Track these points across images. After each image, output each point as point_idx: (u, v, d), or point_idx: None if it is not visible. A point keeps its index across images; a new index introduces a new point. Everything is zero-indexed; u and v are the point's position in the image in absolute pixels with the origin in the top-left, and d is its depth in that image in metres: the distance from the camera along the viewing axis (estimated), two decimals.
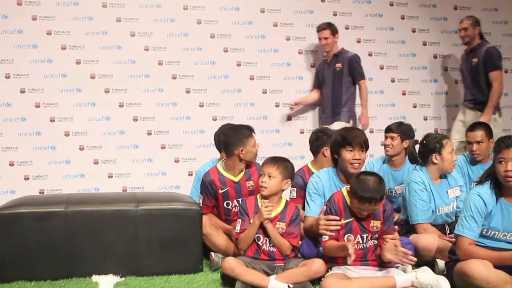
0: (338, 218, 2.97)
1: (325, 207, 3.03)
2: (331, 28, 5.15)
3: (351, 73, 5.15)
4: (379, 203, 2.93)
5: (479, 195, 2.82)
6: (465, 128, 4.85)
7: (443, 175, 3.59)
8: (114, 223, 3.21)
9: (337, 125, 4.96)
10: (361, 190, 2.88)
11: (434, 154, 3.52)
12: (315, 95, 5.36)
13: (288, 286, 2.89)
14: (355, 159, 3.23)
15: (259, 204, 3.17)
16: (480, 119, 4.88)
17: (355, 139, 3.24)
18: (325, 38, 5.14)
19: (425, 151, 3.56)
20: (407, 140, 4.00)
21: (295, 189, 3.81)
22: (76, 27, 4.89)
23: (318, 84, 5.34)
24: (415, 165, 3.64)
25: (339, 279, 2.80)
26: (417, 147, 3.67)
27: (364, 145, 3.28)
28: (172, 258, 3.27)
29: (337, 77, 5.17)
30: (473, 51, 5.13)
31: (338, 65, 5.15)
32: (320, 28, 5.16)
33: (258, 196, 3.25)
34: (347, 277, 2.84)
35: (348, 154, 3.25)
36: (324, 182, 3.37)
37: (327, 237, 2.98)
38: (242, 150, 3.56)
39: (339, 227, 2.98)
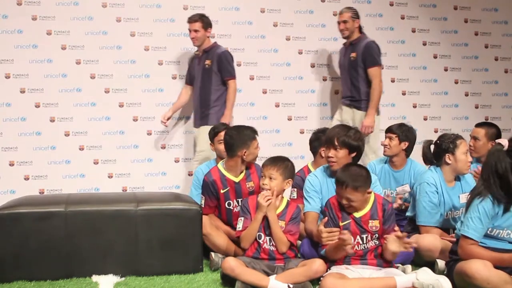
0: (339, 230, 2.97)
1: (326, 218, 3.02)
2: (203, 21, 4.67)
3: (220, 71, 4.69)
4: (355, 192, 2.94)
5: (489, 198, 2.79)
6: None
7: (457, 178, 3.56)
8: (114, 223, 3.21)
9: (204, 130, 4.55)
10: (339, 173, 3.02)
11: (447, 154, 3.50)
12: (185, 96, 4.94)
13: (288, 286, 2.89)
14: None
15: None
16: (364, 122, 4.67)
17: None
18: (195, 31, 4.66)
19: (438, 151, 3.55)
20: (405, 141, 3.98)
21: (295, 189, 3.82)
22: (76, 27, 4.89)
23: (189, 80, 4.91)
24: (429, 165, 3.63)
25: (338, 279, 2.80)
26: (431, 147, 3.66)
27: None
28: (172, 258, 3.27)
29: (206, 74, 4.71)
30: (352, 45, 4.83)
31: (207, 62, 4.69)
32: (190, 20, 4.68)
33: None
34: (346, 277, 2.84)
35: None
36: (320, 179, 3.40)
37: None
38: (245, 152, 3.57)
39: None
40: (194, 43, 4.73)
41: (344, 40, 4.95)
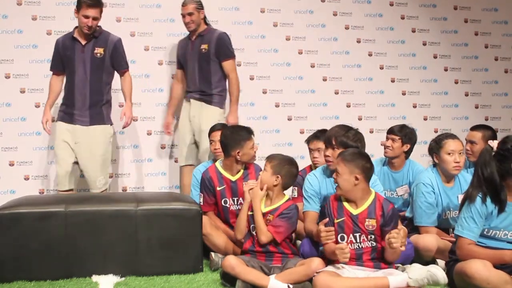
0: (334, 229, 2.96)
1: (327, 219, 3.00)
2: (102, 7, 4.09)
3: (115, 61, 4.22)
4: (343, 164, 2.95)
5: (479, 197, 2.81)
6: (191, 123, 4.53)
7: (457, 178, 3.54)
8: (114, 223, 3.21)
9: (102, 129, 4.17)
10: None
11: (434, 154, 3.52)
12: (59, 86, 4.25)
13: (288, 286, 2.88)
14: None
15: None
16: (230, 119, 4.47)
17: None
18: (94, 19, 4.01)
19: (429, 151, 3.56)
20: (408, 144, 3.97)
21: (296, 188, 3.82)
22: None
23: (61, 68, 4.19)
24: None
25: (331, 276, 2.80)
26: None
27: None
28: (172, 258, 3.27)
29: (99, 65, 4.15)
30: (202, 37, 4.52)
31: (99, 50, 4.13)
32: (92, 5, 3.98)
33: None
34: (339, 275, 2.84)
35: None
36: (320, 179, 3.39)
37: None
38: (238, 152, 3.57)
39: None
40: (89, 30, 4.03)
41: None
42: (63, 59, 4.16)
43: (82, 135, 4.13)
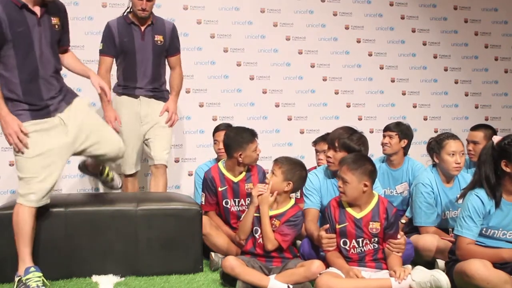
0: (335, 236, 2.98)
1: (328, 225, 3.00)
2: None
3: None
4: (349, 173, 2.91)
5: (477, 195, 2.81)
6: (142, 124, 4.04)
7: (456, 178, 3.53)
8: (114, 223, 3.21)
9: None
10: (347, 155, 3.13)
11: (434, 154, 3.51)
12: None
13: (288, 286, 2.88)
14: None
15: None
16: (170, 106, 4.06)
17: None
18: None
19: (428, 150, 3.56)
20: (405, 139, 4.01)
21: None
22: (76, 27, 4.86)
23: None
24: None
25: (333, 277, 2.80)
26: None
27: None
28: (172, 258, 3.27)
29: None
30: (152, 26, 4.04)
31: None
32: None
33: None
34: (342, 276, 2.84)
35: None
36: (321, 178, 3.40)
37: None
38: (241, 154, 3.56)
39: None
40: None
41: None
42: None
43: None
